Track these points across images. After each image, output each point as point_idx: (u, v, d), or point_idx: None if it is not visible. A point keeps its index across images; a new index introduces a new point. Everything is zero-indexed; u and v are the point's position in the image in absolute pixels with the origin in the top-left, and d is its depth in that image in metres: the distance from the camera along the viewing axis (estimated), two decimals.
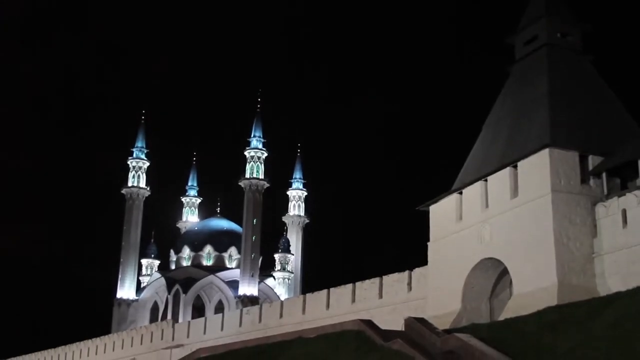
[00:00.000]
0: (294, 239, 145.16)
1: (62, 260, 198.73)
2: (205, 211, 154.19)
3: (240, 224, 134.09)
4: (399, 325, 49.40)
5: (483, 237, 52.08)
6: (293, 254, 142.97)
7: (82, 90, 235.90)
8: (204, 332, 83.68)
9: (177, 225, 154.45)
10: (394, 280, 62.53)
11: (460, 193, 55.33)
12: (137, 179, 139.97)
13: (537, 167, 48.47)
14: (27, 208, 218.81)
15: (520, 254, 48.71)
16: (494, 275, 53.36)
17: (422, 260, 58.96)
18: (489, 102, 59.64)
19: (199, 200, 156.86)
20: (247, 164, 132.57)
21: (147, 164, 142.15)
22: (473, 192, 53.87)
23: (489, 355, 37.19)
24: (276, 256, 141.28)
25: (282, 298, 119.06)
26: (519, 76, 57.71)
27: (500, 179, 51.44)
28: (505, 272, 51.70)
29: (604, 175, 48.66)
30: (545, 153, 48.04)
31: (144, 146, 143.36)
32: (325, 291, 69.12)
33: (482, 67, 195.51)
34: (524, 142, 51.80)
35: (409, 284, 61.07)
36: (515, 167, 50.39)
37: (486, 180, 52.84)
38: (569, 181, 47.89)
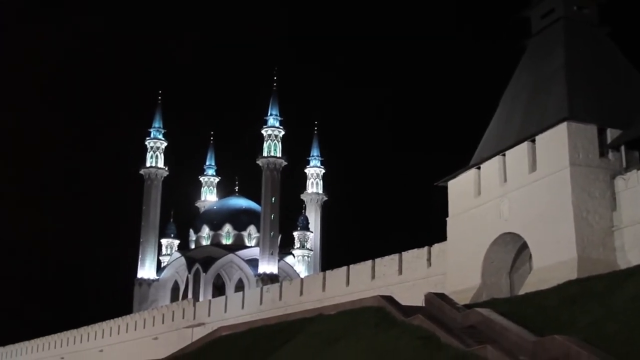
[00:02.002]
0: (313, 216, 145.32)
1: (83, 241, 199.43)
2: (224, 190, 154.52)
3: (258, 203, 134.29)
4: (419, 301, 49.53)
5: (502, 211, 52.02)
6: (312, 232, 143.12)
7: (100, 70, 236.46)
8: (225, 311, 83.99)
9: (196, 205, 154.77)
10: (414, 256, 62.56)
11: (479, 168, 55.26)
12: (155, 159, 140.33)
13: (555, 140, 48.33)
14: (47, 188, 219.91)
15: (540, 228, 48.66)
16: (514, 249, 53.34)
17: (441, 236, 59.00)
18: (506, 76, 59.49)
19: (217, 180, 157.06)
20: (265, 142, 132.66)
21: (165, 144, 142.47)
22: (491, 167, 53.79)
23: (509, 330, 37.25)
24: (295, 234, 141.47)
25: (302, 276, 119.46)
26: (536, 50, 57.47)
27: (518, 154, 51.33)
28: (524, 246, 51.67)
29: (622, 148, 48.48)
30: (563, 127, 47.90)
31: (162, 126, 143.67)
32: (344, 268, 69.24)
33: (498, 41, 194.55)
34: (541, 116, 51.64)
35: (429, 259, 61.10)
36: (534, 141, 50.25)
37: (504, 155, 52.74)
38: (587, 154, 47.74)
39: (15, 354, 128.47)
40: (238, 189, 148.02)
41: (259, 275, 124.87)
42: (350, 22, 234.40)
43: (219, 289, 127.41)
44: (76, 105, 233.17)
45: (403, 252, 63.65)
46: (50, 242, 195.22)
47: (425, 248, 61.53)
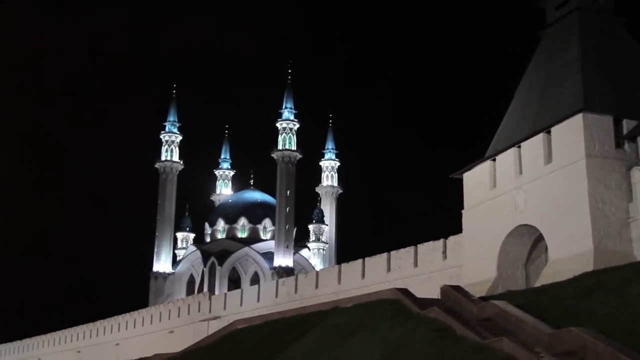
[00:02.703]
0: (328, 209, 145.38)
1: (98, 235, 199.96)
2: (239, 184, 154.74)
3: (273, 196, 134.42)
4: (435, 294, 49.44)
5: (517, 203, 51.89)
6: (327, 225, 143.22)
7: (115, 64, 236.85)
8: (241, 304, 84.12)
9: (211, 198, 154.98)
10: (429, 249, 62.50)
11: (494, 160, 55.11)
12: (170, 153, 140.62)
13: (571, 132, 48.16)
14: (62, 182, 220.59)
15: (555, 219, 48.52)
16: (529, 241, 53.21)
17: (457, 228, 58.92)
18: (521, 68, 59.29)
19: (232, 173, 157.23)
20: (279, 135, 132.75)
21: (180, 137, 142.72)
22: (507, 158, 53.63)
23: (525, 322, 37.14)
24: (310, 227, 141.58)
25: (317, 268, 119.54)
26: (551, 41, 57.23)
27: (533, 145, 51.16)
28: (540, 238, 51.53)
29: (638, 139, 48.27)
30: (579, 118, 47.72)
31: (177, 120, 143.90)
32: (360, 261, 69.22)
33: (513, 33, 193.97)
34: (557, 107, 51.45)
35: (444, 252, 61.03)
36: (549, 132, 50.09)
37: (519, 147, 52.58)
38: (603, 146, 47.55)
39: (32, 348, 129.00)
40: (253, 182, 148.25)
41: (275, 268, 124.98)
42: (365, 16, 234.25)
43: (234, 283, 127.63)
44: (91, 99, 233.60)
45: (418, 245, 63.60)
46: (65, 236, 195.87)
47: (441, 240, 61.46)
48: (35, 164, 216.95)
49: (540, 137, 50.58)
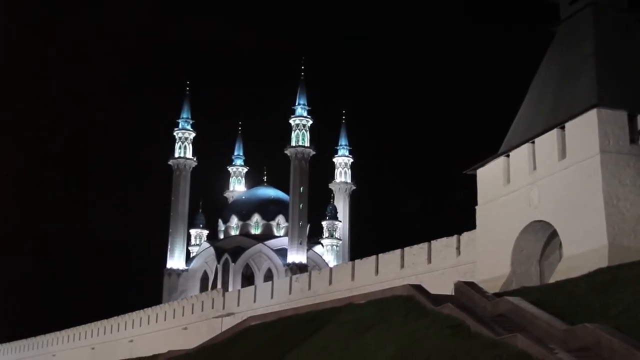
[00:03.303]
0: (341, 205, 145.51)
1: (112, 232, 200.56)
2: (252, 180, 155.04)
3: (287, 192, 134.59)
4: (449, 290, 49.40)
5: (531, 199, 51.71)
6: (340, 221, 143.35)
7: (128, 62, 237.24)
8: (254, 301, 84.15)
9: (225, 195, 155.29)
10: (443, 245, 62.39)
11: (508, 156, 54.92)
12: (184, 150, 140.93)
13: (585, 127, 47.94)
14: (77, 180, 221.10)
15: (570, 215, 48.34)
16: (543, 237, 53.05)
17: (471, 224, 58.79)
18: (535, 64, 59.09)
19: (245, 170, 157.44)
20: (293, 132, 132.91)
21: (193, 134, 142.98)
22: (520, 154, 53.44)
23: (540, 318, 37.05)
24: (324, 223, 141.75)
25: (331, 265, 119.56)
26: (565, 37, 56.98)
27: (547, 141, 50.96)
28: (554, 234, 51.36)
29: None
30: (593, 113, 47.51)
31: (190, 117, 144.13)
32: (373, 257, 69.12)
33: (527, 28, 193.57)
34: (571, 103, 51.23)
35: (458, 248, 60.91)
36: (563, 128, 49.88)
37: (533, 143, 52.38)
38: (617, 141, 47.32)
39: (47, 345, 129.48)
40: (266, 178, 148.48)
41: (288, 264, 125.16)
42: (379, 11, 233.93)
43: (248, 279, 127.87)
44: (105, 97, 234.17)
45: (432, 241, 63.49)
46: (80, 233, 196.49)
47: (455, 236, 61.33)
48: (50, 162, 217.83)
49: (554, 133, 50.38)
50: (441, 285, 55.45)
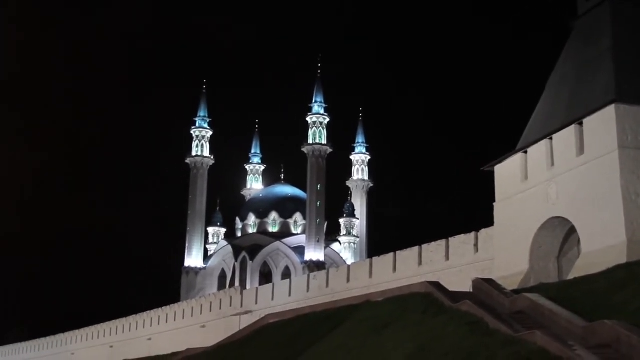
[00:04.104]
0: (359, 203, 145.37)
1: (130, 230, 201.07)
2: (269, 178, 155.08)
3: (304, 190, 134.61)
4: (467, 287, 49.26)
5: (549, 196, 51.53)
6: (358, 218, 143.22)
7: (145, 60, 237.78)
8: (272, 298, 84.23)
9: (242, 193, 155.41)
10: (461, 242, 62.27)
11: (525, 152, 54.75)
12: (201, 148, 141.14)
13: (603, 123, 47.73)
14: (95, 179, 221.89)
15: (588, 212, 48.15)
16: (562, 234, 52.86)
17: (489, 221, 58.64)
18: (552, 60, 58.87)
19: (262, 168, 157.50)
20: (310, 129, 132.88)
21: (210, 133, 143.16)
22: (538, 150, 53.27)
23: (558, 315, 36.90)
24: (341, 221, 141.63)
25: (348, 262, 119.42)
26: (582, 32, 56.74)
27: (565, 137, 50.77)
28: (572, 230, 51.17)
29: None
30: (611, 109, 47.29)
31: (207, 115, 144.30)
32: (391, 254, 69.06)
33: (544, 24, 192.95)
34: (589, 98, 51.00)
35: (476, 245, 60.79)
36: (581, 124, 49.67)
37: (551, 139, 52.20)
38: (636, 137, 47.08)
39: (66, 343, 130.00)
40: (283, 176, 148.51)
41: (306, 262, 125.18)
42: (396, 8, 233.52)
43: (265, 277, 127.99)
44: (122, 96, 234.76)
45: (450, 238, 63.39)
46: (98, 232, 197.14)
47: (473, 233, 61.21)
48: (68, 160, 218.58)
49: (572, 129, 50.19)
50: (459, 282, 55.32)
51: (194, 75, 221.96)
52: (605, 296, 38.01)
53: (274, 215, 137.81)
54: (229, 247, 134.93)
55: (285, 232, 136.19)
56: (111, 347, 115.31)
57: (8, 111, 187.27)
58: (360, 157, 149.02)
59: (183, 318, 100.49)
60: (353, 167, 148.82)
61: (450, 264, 62.52)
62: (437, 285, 48.95)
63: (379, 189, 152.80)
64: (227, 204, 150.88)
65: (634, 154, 46.73)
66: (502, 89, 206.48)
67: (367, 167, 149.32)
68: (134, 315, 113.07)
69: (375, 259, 72.61)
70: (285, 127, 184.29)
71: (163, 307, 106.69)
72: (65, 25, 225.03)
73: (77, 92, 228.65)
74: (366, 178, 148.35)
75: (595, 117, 48.44)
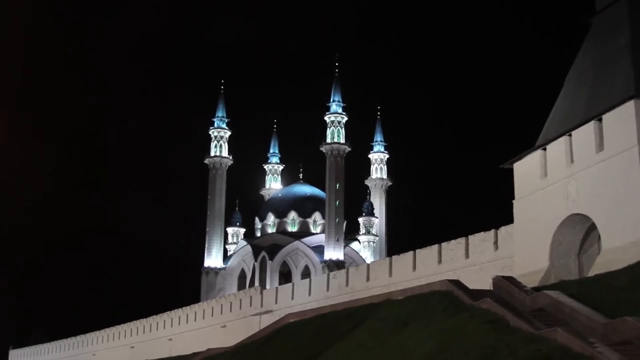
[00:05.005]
0: (378, 202, 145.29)
1: (150, 231, 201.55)
2: (288, 178, 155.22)
3: (323, 189, 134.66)
4: (487, 285, 49.16)
5: (569, 192, 51.37)
6: (377, 217, 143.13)
7: (163, 61, 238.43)
8: (292, 298, 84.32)
9: (261, 193, 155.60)
10: (480, 240, 62.19)
11: (544, 149, 54.60)
12: (220, 149, 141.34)
13: (623, 119, 47.51)
14: (114, 179, 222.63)
15: (608, 208, 47.96)
16: (582, 231, 52.67)
17: (508, 219, 58.50)
18: (571, 56, 58.68)
19: (281, 167, 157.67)
20: (328, 128, 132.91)
21: (229, 133, 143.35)
22: (557, 147, 53.10)
23: (579, 312, 36.82)
24: (360, 220, 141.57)
25: (368, 261, 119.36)
26: (600, 28, 56.50)
27: (584, 133, 50.60)
28: (593, 227, 50.98)
29: None
30: (630, 105, 47.07)
31: (225, 115, 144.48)
32: (411, 253, 69.04)
33: (562, 20, 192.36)
34: (608, 94, 50.79)
35: (495, 243, 60.70)
36: (600, 120, 49.49)
37: (570, 135, 52.03)
38: None
39: (87, 344, 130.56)
40: (302, 176, 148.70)
41: (325, 261, 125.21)
42: (411, 4, 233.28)
43: (285, 277, 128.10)
44: (140, 96, 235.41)
45: (469, 236, 63.31)
46: (118, 233, 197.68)
47: (492, 231, 61.11)
48: (86, 160, 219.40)
49: (591, 125, 50.01)
50: (479, 280, 55.25)
51: (211, 76, 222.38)
52: (627, 293, 37.89)
53: (293, 214, 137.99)
54: (249, 247, 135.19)
55: (304, 232, 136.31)
56: (132, 347, 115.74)
57: (25, 110, 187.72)
58: (378, 156, 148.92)
59: (203, 318, 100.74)
60: (372, 166, 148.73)
61: (470, 262, 62.45)
62: (457, 283, 48.91)
63: (398, 187, 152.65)
64: (246, 204, 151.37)
65: None
66: (521, 86, 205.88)
67: (385, 166, 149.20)
68: (154, 316, 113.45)
69: (394, 257, 72.61)
70: (303, 127, 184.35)
71: (183, 308, 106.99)
72: (84, 26, 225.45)
73: (95, 91, 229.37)
74: (385, 177, 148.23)
75: (614, 113, 48.25)
